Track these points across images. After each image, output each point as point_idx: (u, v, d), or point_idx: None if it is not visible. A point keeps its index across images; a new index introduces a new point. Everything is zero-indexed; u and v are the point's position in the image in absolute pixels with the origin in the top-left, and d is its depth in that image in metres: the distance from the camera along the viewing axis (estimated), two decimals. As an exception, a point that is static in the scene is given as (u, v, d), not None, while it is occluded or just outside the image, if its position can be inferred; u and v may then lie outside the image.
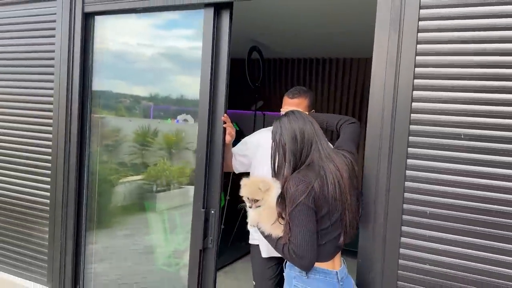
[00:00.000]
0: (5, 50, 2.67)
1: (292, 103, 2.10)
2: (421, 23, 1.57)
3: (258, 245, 2.18)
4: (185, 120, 3.05)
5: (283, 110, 2.09)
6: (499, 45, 1.46)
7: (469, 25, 1.50)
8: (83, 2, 2.40)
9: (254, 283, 2.31)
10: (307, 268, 1.48)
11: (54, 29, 2.50)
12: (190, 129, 2.37)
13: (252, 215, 1.59)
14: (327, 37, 3.71)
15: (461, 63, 1.51)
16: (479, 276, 1.50)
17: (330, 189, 1.45)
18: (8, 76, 2.67)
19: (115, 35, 2.50)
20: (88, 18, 2.44)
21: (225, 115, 2.08)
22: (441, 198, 1.55)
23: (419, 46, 1.57)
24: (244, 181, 1.60)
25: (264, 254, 2.17)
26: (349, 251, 1.93)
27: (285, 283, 1.61)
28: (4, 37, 2.67)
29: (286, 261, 1.58)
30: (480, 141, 1.49)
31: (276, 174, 1.58)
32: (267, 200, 1.53)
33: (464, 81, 1.51)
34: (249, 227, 1.90)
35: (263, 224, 1.56)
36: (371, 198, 1.66)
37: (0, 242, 2.72)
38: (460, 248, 1.52)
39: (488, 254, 1.49)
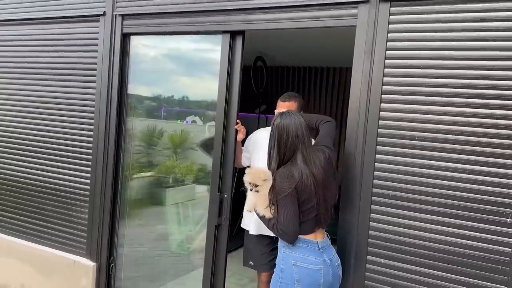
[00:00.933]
0: (55, 61, 3.21)
1: (284, 106, 2.61)
2: (387, 52, 2.10)
3: (251, 233, 2.72)
4: (194, 122, 3.58)
5: (276, 111, 2.61)
6: (440, 71, 1.99)
7: (421, 55, 2.03)
8: (122, 25, 2.94)
9: (251, 263, 2.81)
10: (290, 241, 1.96)
11: (96, 45, 3.04)
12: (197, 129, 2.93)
13: (250, 199, 2.08)
14: (321, 51, 4.27)
15: (414, 83, 2.04)
16: (427, 243, 2.02)
17: (307, 185, 1.90)
18: (55, 83, 3.20)
19: (146, 50, 3.05)
20: (125, 37, 2.98)
21: (238, 121, 2.62)
22: (399, 184, 2.08)
23: (385, 69, 2.10)
24: (249, 169, 2.11)
25: (253, 232, 2.70)
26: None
27: (278, 252, 2.11)
28: (54, 50, 3.21)
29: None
30: (428, 142, 2.01)
31: (268, 165, 2.06)
32: (264, 188, 2.00)
33: (417, 96, 2.04)
34: (245, 211, 2.39)
35: (258, 208, 2.02)
36: (350, 183, 2.19)
37: (46, 221, 3.25)
38: (413, 222, 2.05)
39: (432, 226, 2.01)
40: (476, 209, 1.93)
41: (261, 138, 2.71)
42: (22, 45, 3.35)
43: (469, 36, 1.94)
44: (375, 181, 2.14)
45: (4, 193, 3.47)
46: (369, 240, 2.16)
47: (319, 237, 2.04)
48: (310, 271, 1.95)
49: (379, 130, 2.12)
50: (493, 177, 1.89)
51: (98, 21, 3.03)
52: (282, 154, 1.99)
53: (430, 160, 2.01)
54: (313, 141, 2.17)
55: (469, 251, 1.94)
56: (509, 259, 1.87)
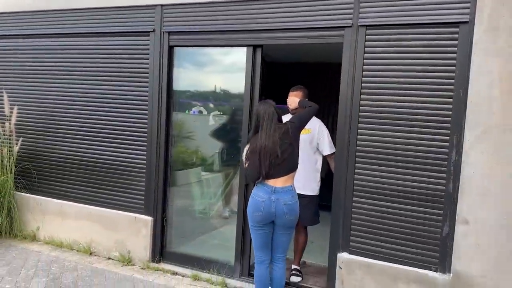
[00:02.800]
0: (116, 67, 4.18)
1: (292, 95, 3.61)
2: (364, 61, 3.17)
3: None
4: (200, 112, 4.58)
5: (288, 100, 3.62)
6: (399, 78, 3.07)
7: (386, 63, 3.10)
8: (168, 39, 3.94)
9: None
10: (250, 182, 3.07)
11: (147, 54, 4.03)
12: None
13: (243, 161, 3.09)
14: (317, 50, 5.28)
15: (382, 81, 3.12)
16: (391, 186, 3.12)
17: (259, 149, 2.87)
18: (118, 83, 4.19)
19: (185, 57, 4.05)
20: (171, 48, 3.98)
21: None
22: (373, 148, 3.17)
23: (364, 72, 3.18)
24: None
25: None
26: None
27: None
28: (115, 57, 4.18)
29: None
30: (390, 119, 3.10)
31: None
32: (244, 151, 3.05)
33: (383, 90, 3.12)
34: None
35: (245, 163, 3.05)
36: (343, 147, 3.27)
37: (112, 190, 4.25)
38: (382, 173, 3.14)
39: (390, 174, 3.11)
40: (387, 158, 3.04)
41: None
42: (90, 53, 4.30)
43: (414, 55, 3.03)
44: (358, 148, 3.23)
45: (77, 170, 4.45)
46: (354, 185, 3.25)
47: (278, 183, 2.93)
48: (255, 201, 2.96)
49: (360, 113, 3.21)
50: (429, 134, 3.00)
51: (148, 35, 4.01)
52: (254, 128, 3.02)
53: (388, 131, 3.11)
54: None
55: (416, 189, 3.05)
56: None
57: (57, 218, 4.55)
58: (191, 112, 4.28)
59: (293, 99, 3.51)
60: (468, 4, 2.87)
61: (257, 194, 2.98)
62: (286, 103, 3.65)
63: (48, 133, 4.57)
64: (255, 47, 3.65)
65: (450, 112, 2.97)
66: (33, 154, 4.67)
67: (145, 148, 4.10)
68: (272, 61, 3.96)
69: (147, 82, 4.06)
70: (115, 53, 4.19)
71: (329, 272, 3.38)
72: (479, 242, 2.91)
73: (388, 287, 3.14)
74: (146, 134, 4.09)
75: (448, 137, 2.98)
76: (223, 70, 4.03)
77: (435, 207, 3.04)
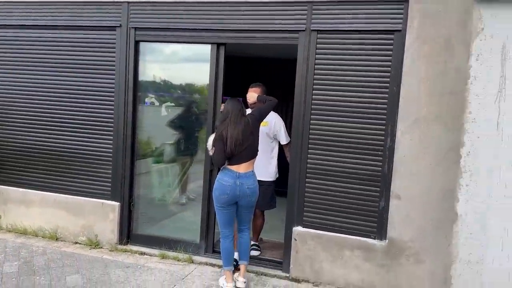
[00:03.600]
0: (83, 58, 4.35)
1: (251, 91, 3.98)
2: (316, 60, 3.66)
3: None
4: (152, 103, 4.90)
5: (248, 95, 4.03)
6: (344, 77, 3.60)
7: (332, 63, 3.62)
8: (135, 35, 4.18)
9: None
10: (218, 166, 3.42)
11: (114, 48, 4.24)
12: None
13: (209, 146, 3.44)
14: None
15: (328, 79, 3.64)
16: (314, 165, 3.67)
17: (226, 137, 3.27)
18: (84, 75, 4.36)
19: (150, 52, 4.32)
20: (137, 43, 4.23)
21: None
22: (323, 136, 3.68)
23: (315, 71, 3.67)
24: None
25: None
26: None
27: None
28: (82, 50, 4.34)
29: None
30: (333, 111, 3.63)
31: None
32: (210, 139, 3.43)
33: (330, 86, 3.64)
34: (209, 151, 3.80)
35: (210, 151, 3.43)
36: (298, 134, 3.75)
37: (79, 177, 4.43)
38: (324, 156, 3.67)
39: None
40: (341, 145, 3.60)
41: None
42: (57, 45, 4.42)
43: (357, 57, 3.57)
44: (310, 136, 3.73)
45: (43, 160, 4.55)
46: (307, 168, 3.76)
47: (241, 169, 3.34)
48: (222, 185, 3.36)
49: (312, 106, 3.71)
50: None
51: (115, 30, 4.23)
52: (222, 119, 3.40)
53: (335, 121, 3.64)
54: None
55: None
56: (379, 172, 3.57)
57: (21, 207, 4.64)
58: (145, 103, 4.56)
59: (252, 95, 3.91)
60: (401, 16, 3.45)
61: (223, 179, 3.36)
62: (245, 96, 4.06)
63: (11, 124, 4.63)
64: (218, 45, 4.01)
65: (386, 106, 3.55)
66: (-6, 144, 4.71)
67: (111, 137, 4.33)
68: (233, 55, 4.31)
69: (114, 75, 4.28)
70: (82, 46, 4.35)
71: (286, 243, 3.88)
72: (408, 214, 3.54)
73: (336, 253, 3.70)
74: (112, 124, 4.32)
75: (384, 127, 3.57)
76: (187, 65, 4.35)
77: (373, 185, 3.63)
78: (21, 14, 4.50)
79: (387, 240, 3.60)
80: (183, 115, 4.41)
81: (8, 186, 4.68)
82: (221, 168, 3.44)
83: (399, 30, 3.47)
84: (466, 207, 3.36)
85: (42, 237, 4.54)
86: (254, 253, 4.13)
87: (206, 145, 3.62)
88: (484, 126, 3.27)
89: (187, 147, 4.53)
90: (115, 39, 4.25)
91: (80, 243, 4.43)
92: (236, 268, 3.68)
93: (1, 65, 4.62)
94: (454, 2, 3.32)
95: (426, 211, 3.49)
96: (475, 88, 3.28)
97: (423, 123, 3.45)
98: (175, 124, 4.45)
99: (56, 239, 4.50)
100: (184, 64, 4.36)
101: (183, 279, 3.69)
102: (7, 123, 4.63)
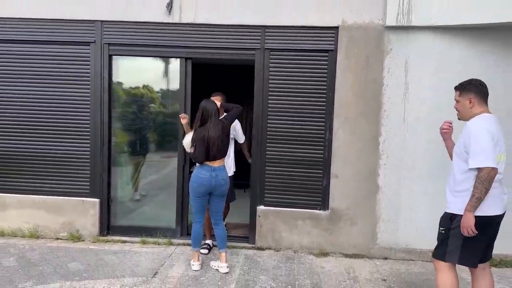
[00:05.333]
0: (60, 70, 4.78)
1: (214, 99, 4.82)
2: (270, 73, 4.60)
3: None
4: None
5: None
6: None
7: (282, 76, 4.59)
8: (108, 49, 4.75)
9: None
10: (199, 163, 3.99)
11: (89, 61, 4.76)
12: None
13: (185, 146, 4.15)
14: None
15: (282, 89, 4.61)
16: (274, 156, 4.66)
17: (207, 138, 3.94)
18: (62, 86, 4.79)
19: (122, 64, 4.91)
20: (110, 57, 4.79)
21: (184, 114, 4.68)
22: (279, 129, 4.64)
23: (269, 81, 4.61)
24: (187, 135, 4.20)
25: None
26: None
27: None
28: (59, 62, 4.76)
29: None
30: (291, 112, 4.62)
31: (194, 126, 4.23)
32: (185, 140, 4.16)
33: (282, 93, 4.61)
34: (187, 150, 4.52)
35: (188, 149, 4.13)
36: (258, 132, 4.66)
37: (57, 178, 4.85)
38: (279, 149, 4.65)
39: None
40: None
41: None
42: (37, 58, 4.80)
43: (302, 70, 4.58)
44: (268, 134, 4.66)
45: (20, 164, 4.88)
46: (266, 158, 4.69)
47: (216, 164, 3.93)
48: (199, 178, 3.95)
49: (268, 109, 4.64)
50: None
51: (89, 45, 4.75)
52: (201, 121, 4.04)
53: (286, 121, 4.63)
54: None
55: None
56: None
57: (-5, 210, 4.92)
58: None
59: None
60: (333, 39, 4.53)
61: (201, 172, 3.98)
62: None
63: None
64: (186, 59, 4.76)
65: (324, 107, 4.62)
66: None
67: (88, 141, 4.84)
68: (198, 62, 5.03)
69: (89, 85, 4.79)
70: (60, 59, 4.78)
71: (251, 220, 4.78)
72: (344, 189, 4.64)
73: (292, 224, 4.69)
74: (89, 129, 4.83)
75: (323, 123, 4.63)
76: (156, 75, 5.01)
77: (317, 168, 4.68)
78: (3, 30, 4.80)
79: (329, 210, 4.67)
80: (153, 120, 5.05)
81: (-18, 191, 4.92)
82: (197, 164, 4.15)
83: (332, 50, 4.55)
84: (384, 181, 4.57)
85: (22, 236, 4.88)
86: (210, 241, 4.80)
87: (182, 143, 4.28)
88: (394, 120, 4.50)
89: (142, 148, 5.14)
90: (89, 53, 4.76)
91: (61, 239, 4.86)
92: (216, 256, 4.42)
93: None
94: (370, 30, 4.47)
95: (357, 186, 4.63)
96: (387, 93, 4.49)
97: (352, 120, 4.58)
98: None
99: (37, 237, 4.87)
100: (154, 75, 5.00)
101: (169, 256, 4.40)
102: (-22, 132, 4.88)
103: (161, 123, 5.04)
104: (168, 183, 4.98)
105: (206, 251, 4.57)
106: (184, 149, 4.63)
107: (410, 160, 4.50)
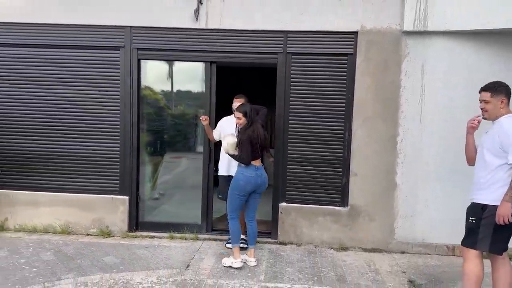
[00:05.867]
0: (93, 73, 5.02)
1: (237, 101, 4.99)
2: (291, 75, 4.83)
3: (222, 175, 5.03)
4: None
5: (233, 104, 5.02)
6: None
7: (306, 78, 4.83)
8: (137, 54, 4.98)
9: (220, 196, 5.18)
10: (246, 164, 4.21)
11: (118, 65, 5.00)
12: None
13: (224, 148, 4.30)
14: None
15: (303, 91, 4.84)
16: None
17: (255, 138, 4.21)
18: (94, 89, 5.03)
19: (150, 69, 5.14)
20: (139, 61, 5.03)
21: (205, 116, 4.88)
22: (301, 129, 4.87)
23: (291, 83, 4.84)
24: (226, 137, 4.41)
25: (223, 173, 5.07)
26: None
27: (236, 171, 4.40)
28: (91, 66, 5.01)
29: (238, 163, 4.44)
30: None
31: (243, 128, 4.45)
32: (229, 141, 4.32)
33: (302, 94, 4.84)
34: (220, 164, 4.66)
35: (230, 151, 4.38)
36: (280, 131, 4.88)
37: (89, 177, 5.10)
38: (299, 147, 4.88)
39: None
40: (329, 139, 4.85)
41: (223, 123, 5.02)
42: (70, 62, 5.05)
43: (322, 73, 4.81)
44: (289, 132, 4.89)
45: (53, 164, 5.12)
46: (288, 157, 4.92)
47: (257, 163, 4.32)
48: (247, 177, 4.19)
49: (290, 109, 4.87)
50: (334, 126, 4.85)
51: (119, 50, 4.99)
52: (249, 122, 4.30)
53: (307, 121, 4.85)
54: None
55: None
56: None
57: (28, 208, 5.14)
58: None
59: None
60: (353, 43, 4.76)
61: (248, 172, 4.11)
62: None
63: (22, 132, 5.14)
64: (211, 63, 4.99)
65: (344, 109, 4.84)
66: (5, 152, 5.17)
67: (118, 141, 5.07)
68: (220, 65, 5.09)
69: (119, 88, 5.03)
70: (92, 63, 5.02)
71: (273, 216, 5.02)
72: (363, 186, 4.86)
73: (312, 220, 4.91)
74: (119, 130, 5.07)
75: (343, 124, 4.86)
76: (182, 78, 5.25)
77: (337, 167, 4.91)
78: (37, 35, 5.04)
79: (348, 207, 4.89)
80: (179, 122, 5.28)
81: (16, 190, 5.15)
82: (238, 164, 4.25)
83: (352, 54, 4.77)
84: (402, 178, 4.79)
85: (53, 233, 5.11)
86: (243, 245, 4.73)
87: (225, 144, 4.28)
88: (411, 121, 4.72)
89: (157, 149, 5.37)
90: (119, 57, 5.00)
91: (92, 235, 5.10)
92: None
93: (23, 81, 5.11)
94: (388, 34, 4.70)
95: (375, 183, 4.85)
96: (405, 94, 4.71)
97: (370, 120, 4.80)
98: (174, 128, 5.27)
99: (68, 233, 5.11)
100: (180, 78, 5.24)
101: (197, 250, 4.63)
102: (17, 131, 5.12)
103: (186, 124, 5.27)
104: (193, 181, 5.22)
105: (245, 245, 4.63)
106: (210, 149, 4.88)
107: (425, 159, 4.72)
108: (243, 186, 4.14)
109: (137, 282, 3.79)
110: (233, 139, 4.20)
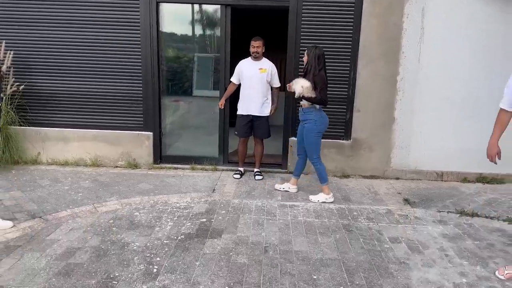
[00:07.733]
0: (112, 17, 5.30)
1: (255, 44, 5.34)
2: (302, 18, 5.19)
3: (241, 114, 5.50)
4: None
5: (251, 47, 5.39)
6: (323, 26, 5.20)
7: (315, 20, 5.19)
8: (156, -3, 5.26)
9: (236, 133, 5.66)
10: (325, 105, 4.60)
11: (138, 9, 5.27)
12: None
13: (303, 92, 4.63)
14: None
15: (315, 31, 5.23)
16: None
17: (327, 81, 4.64)
18: (115, 30, 5.33)
19: (168, 11, 5.43)
20: (158, 4, 5.30)
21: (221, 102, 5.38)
22: (309, 72, 5.32)
23: (302, 26, 5.21)
24: (300, 81, 4.75)
25: (241, 112, 5.55)
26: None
27: (309, 115, 4.67)
28: (111, 11, 5.28)
29: (302, 108, 4.86)
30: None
31: (306, 73, 4.82)
32: (304, 85, 4.70)
33: (314, 36, 5.23)
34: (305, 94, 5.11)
35: (307, 94, 4.77)
36: (291, 73, 5.33)
37: (116, 115, 5.54)
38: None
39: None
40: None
41: (244, 64, 5.37)
42: (88, 4, 5.30)
43: (327, 16, 5.17)
44: (299, 72, 5.33)
45: (82, 103, 5.53)
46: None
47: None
48: (325, 118, 4.53)
49: (300, 50, 5.27)
50: (341, 66, 5.30)
51: (138, -7, 5.25)
52: (320, 65, 4.48)
53: (320, 61, 5.29)
54: None
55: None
56: (346, 95, 5.36)
57: (59, 143, 5.62)
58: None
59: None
60: (360, -13, 5.11)
61: (323, 113, 4.46)
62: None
63: (52, 72, 5.49)
64: (226, 5, 5.29)
65: (350, 49, 5.27)
66: (34, 92, 5.54)
67: (141, 81, 5.47)
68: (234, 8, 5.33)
69: (139, 31, 5.34)
70: (110, 5, 5.28)
71: (284, 150, 5.59)
72: (365, 121, 5.42)
73: (320, 151, 5.51)
74: (140, 71, 5.44)
75: (349, 63, 5.31)
76: (198, 21, 5.56)
77: (342, 104, 5.43)
78: None
79: (351, 140, 5.48)
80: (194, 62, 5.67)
81: (47, 127, 5.59)
82: (307, 106, 4.43)
83: (359, -3, 5.14)
84: (399, 113, 5.35)
85: (84, 165, 5.64)
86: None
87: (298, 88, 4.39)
88: (410, 60, 5.20)
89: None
90: (138, 0, 5.27)
91: (120, 167, 5.64)
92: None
93: (48, 23, 5.38)
94: (393, -21, 5.05)
95: (376, 118, 5.40)
96: (406, 36, 5.14)
97: (375, 60, 5.26)
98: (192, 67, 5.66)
99: (98, 166, 5.64)
100: (197, 21, 5.55)
101: (218, 178, 5.24)
102: (44, 72, 5.46)
103: (202, 66, 5.65)
104: (211, 119, 5.70)
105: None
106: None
107: (421, 95, 5.26)
108: (322, 127, 4.48)
109: (174, 202, 4.40)
110: (307, 82, 4.29)
